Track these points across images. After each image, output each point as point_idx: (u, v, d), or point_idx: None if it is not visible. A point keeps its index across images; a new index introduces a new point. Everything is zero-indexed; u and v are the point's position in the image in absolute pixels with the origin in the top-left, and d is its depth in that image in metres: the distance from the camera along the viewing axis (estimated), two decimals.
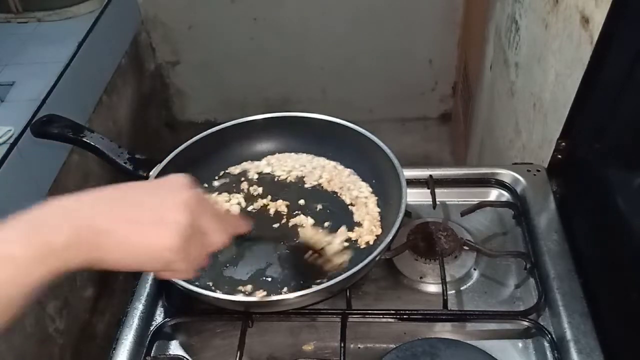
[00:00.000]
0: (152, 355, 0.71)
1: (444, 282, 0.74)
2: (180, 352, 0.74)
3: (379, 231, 0.78)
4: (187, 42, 1.89)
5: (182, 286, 0.68)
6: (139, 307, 0.75)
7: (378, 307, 0.74)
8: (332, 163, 0.88)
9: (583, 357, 0.66)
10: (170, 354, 0.73)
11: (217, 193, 0.86)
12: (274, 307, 0.72)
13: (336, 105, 1.90)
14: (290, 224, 0.81)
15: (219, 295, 0.69)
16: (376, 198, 0.83)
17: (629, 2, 0.65)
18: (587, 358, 0.66)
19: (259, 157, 0.90)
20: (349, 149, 0.86)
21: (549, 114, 0.91)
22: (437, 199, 0.84)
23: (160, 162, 0.81)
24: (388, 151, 0.80)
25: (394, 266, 0.80)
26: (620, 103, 0.71)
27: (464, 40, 1.81)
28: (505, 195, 0.89)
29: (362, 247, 0.77)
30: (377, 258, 0.69)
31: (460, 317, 0.74)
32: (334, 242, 0.75)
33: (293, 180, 0.87)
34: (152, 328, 0.74)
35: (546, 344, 0.69)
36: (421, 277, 0.78)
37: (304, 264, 0.75)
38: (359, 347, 0.72)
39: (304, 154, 0.90)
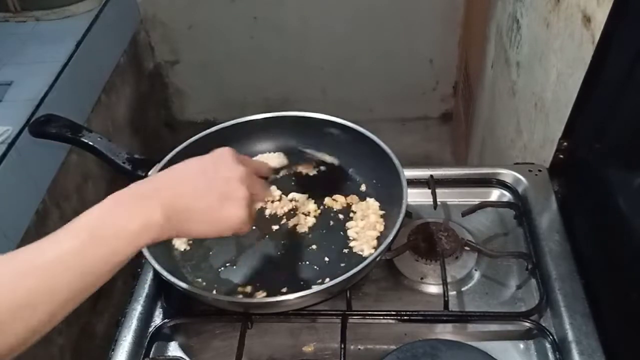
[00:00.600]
0: (151, 356, 0.71)
1: (444, 283, 0.73)
2: (179, 353, 0.73)
3: (381, 228, 0.78)
4: (186, 41, 1.89)
5: (181, 287, 0.67)
6: (137, 308, 0.75)
7: (378, 308, 0.74)
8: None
9: (585, 358, 0.65)
10: (169, 355, 0.73)
11: None
12: (273, 308, 0.71)
13: (336, 105, 1.88)
14: (289, 225, 0.81)
15: (218, 296, 0.68)
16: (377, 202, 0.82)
17: (631, 1, 0.64)
18: (589, 359, 0.65)
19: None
20: (349, 148, 0.86)
21: (550, 113, 0.90)
22: (438, 199, 0.84)
23: (159, 162, 0.81)
24: (388, 151, 0.80)
25: (395, 267, 0.79)
26: (622, 103, 0.70)
27: (465, 40, 1.81)
28: (507, 196, 0.88)
29: (362, 247, 0.76)
30: (378, 259, 0.69)
31: (461, 318, 0.73)
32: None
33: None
34: (151, 329, 0.73)
35: (548, 345, 0.69)
36: (422, 278, 0.78)
37: (304, 265, 0.75)
38: (359, 348, 0.72)
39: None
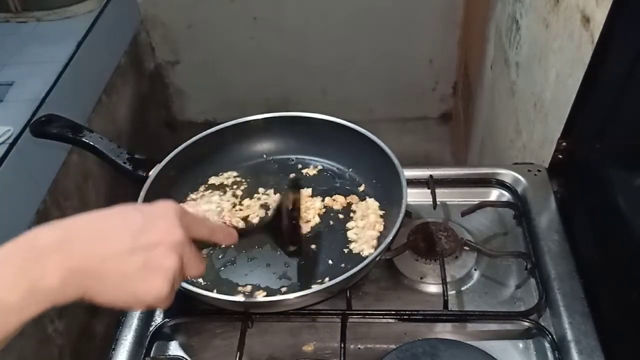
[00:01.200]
0: (151, 355, 0.71)
1: (444, 283, 0.74)
2: (179, 352, 0.73)
3: (381, 228, 0.78)
4: (186, 41, 1.89)
5: (181, 287, 0.67)
6: None
7: (378, 308, 0.74)
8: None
9: (584, 357, 0.66)
10: (169, 355, 0.73)
11: (217, 193, 0.86)
12: (273, 308, 0.71)
13: (336, 105, 1.89)
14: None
15: (218, 295, 0.68)
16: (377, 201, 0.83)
17: (630, 1, 0.65)
18: (588, 358, 0.66)
19: (259, 156, 0.90)
20: (349, 149, 0.86)
21: (549, 113, 0.91)
22: (437, 199, 0.84)
23: (160, 162, 0.81)
24: (388, 151, 0.80)
25: (394, 266, 0.80)
26: (621, 103, 0.70)
27: (465, 40, 1.81)
28: (506, 196, 0.89)
29: (362, 247, 0.77)
30: (377, 258, 0.69)
31: (461, 317, 0.73)
32: None
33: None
34: (151, 328, 0.74)
35: (547, 345, 0.69)
36: (421, 278, 0.78)
37: (304, 264, 0.75)
38: (359, 348, 0.72)
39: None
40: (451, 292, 0.76)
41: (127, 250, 0.47)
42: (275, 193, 0.86)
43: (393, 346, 0.69)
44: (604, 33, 0.69)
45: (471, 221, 0.85)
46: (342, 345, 0.68)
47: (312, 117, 0.87)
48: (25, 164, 1.14)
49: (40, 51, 1.38)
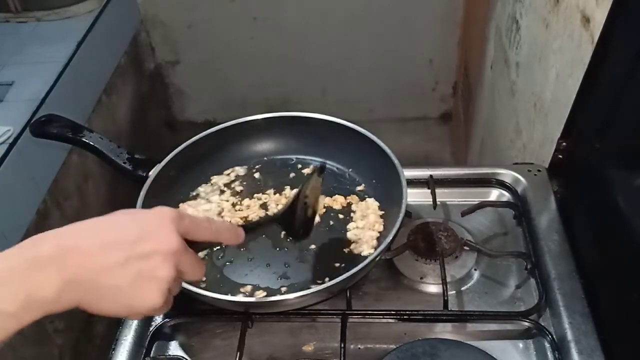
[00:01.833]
0: (151, 355, 0.71)
1: (444, 283, 0.74)
2: (179, 352, 0.73)
3: (381, 228, 0.78)
4: (186, 41, 1.89)
5: (181, 287, 0.67)
6: None
7: (378, 308, 0.74)
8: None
9: (584, 357, 0.66)
10: (169, 355, 0.73)
11: (217, 193, 0.86)
12: (273, 308, 0.71)
13: (336, 105, 1.89)
14: None
15: (218, 295, 0.68)
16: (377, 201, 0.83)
17: (630, 1, 0.65)
18: (588, 358, 0.66)
19: (259, 156, 0.90)
20: (349, 149, 0.86)
21: (549, 113, 0.91)
22: (437, 199, 0.84)
23: (160, 162, 0.81)
24: (388, 151, 0.80)
25: (394, 266, 0.80)
26: (621, 103, 0.71)
27: (465, 40, 1.81)
28: (506, 196, 0.89)
29: (362, 247, 0.77)
30: (377, 258, 0.69)
31: (461, 317, 0.73)
32: None
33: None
34: (151, 328, 0.73)
35: (547, 345, 0.69)
36: (421, 278, 0.78)
37: (304, 264, 0.75)
38: (359, 348, 0.72)
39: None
40: (451, 292, 0.76)
41: (121, 262, 0.47)
42: (275, 193, 0.86)
43: (393, 346, 0.69)
44: (604, 33, 0.69)
45: (471, 221, 0.85)
46: (342, 345, 0.68)
47: (312, 117, 0.87)
48: (25, 164, 1.14)
49: (40, 51, 1.38)
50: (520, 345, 0.72)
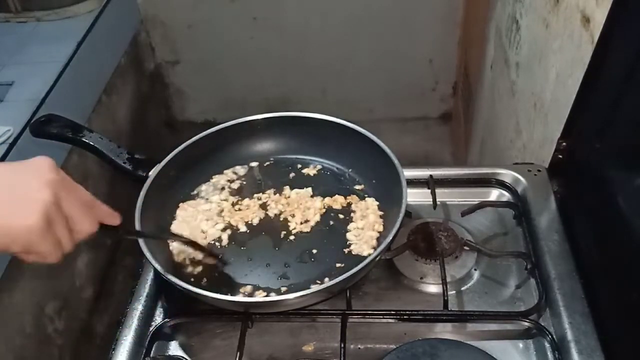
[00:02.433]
0: (151, 355, 0.71)
1: (444, 283, 0.74)
2: (179, 352, 0.73)
3: (381, 228, 0.78)
4: (186, 41, 1.89)
5: (181, 287, 0.67)
6: (138, 308, 0.75)
7: (378, 308, 0.74)
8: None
9: (584, 357, 0.66)
10: (169, 355, 0.73)
11: (217, 193, 0.86)
12: (273, 308, 0.71)
13: (336, 105, 1.90)
14: (290, 223, 0.81)
15: (218, 295, 0.68)
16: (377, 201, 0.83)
17: (630, 1, 0.65)
18: (588, 358, 0.66)
19: (259, 157, 0.90)
20: (349, 149, 0.86)
21: (549, 113, 0.91)
22: (437, 199, 0.84)
23: (160, 162, 0.81)
24: (388, 151, 0.80)
25: (394, 266, 0.80)
26: (621, 103, 0.71)
27: (465, 40, 1.81)
28: (506, 196, 0.89)
29: (362, 247, 0.77)
30: (377, 258, 0.69)
31: (461, 317, 0.74)
32: None
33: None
34: (151, 328, 0.74)
35: (547, 345, 0.69)
36: (421, 278, 0.78)
37: (304, 264, 0.75)
38: (359, 348, 0.72)
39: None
40: (451, 292, 0.76)
41: None
42: (275, 193, 0.86)
43: (393, 346, 0.69)
44: (604, 33, 0.69)
45: (471, 221, 0.85)
46: (342, 345, 0.68)
47: (312, 117, 0.87)
48: None
49: (40, 51, 1.38)
50: (520, 345, 0.72)
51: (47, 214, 0.48)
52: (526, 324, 0.71)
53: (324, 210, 0.83)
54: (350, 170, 0.88)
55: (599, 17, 0.69)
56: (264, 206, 0.84)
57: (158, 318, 0.75)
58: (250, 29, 1.84)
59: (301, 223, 0.81)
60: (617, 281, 0.71)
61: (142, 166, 0.82)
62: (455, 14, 1.79)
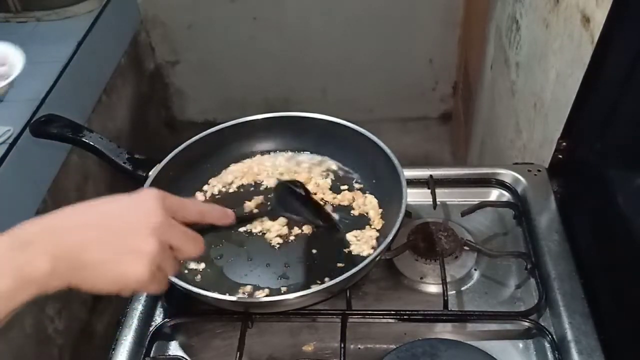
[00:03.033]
0: (151, 355, 0.71)
1: (444, 283, 0.74)
2: (179, 352, 0.73)
3: (379, 227, 0.78)
4: (186, 41, 1.89)
5: (181, 287, 0.67)
6: (138, 308, 0.75)
7: (378, 308, 0.74)
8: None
9: (584, 357, 0.66)
10: (169, 355, 0.73)
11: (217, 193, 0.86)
12: (273, 308, 0.71)
13: (336, 105, 1.90)
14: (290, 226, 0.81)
15: (218, 295, 0.68)
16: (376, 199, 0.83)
17: (630, 1, 0.65)
18: (588, 358, 0.66)
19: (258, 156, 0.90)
20: (349, 148, 0.86)
21: (549, 113, 0.91)
22: (437, 199, 0.84)
23: (160, 162, 0.81)
24: (388, 151, 0.80)
25: (394, 266, 0.80)
26: (621, 103, 0.71)
27: (465, 40, 1.81)
28: (506, 196, 0.89)
29: (362, 247, 0.77)
30: (377, 258, 0.69)
31: (461, 317, 0.74)
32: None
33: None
34: (151, 328, 0.74)
35: (547, 345, 0.69)
36: (421, 278, 0.78)
37: (304, 264, 0.75)
38: (359, 348, 0.72)
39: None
40: (451, 292, 0.76)
41: (105, 238, 0.49)
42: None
43: (393, 346, 0.69)
44: (604, 33, 0.69)
45: (471, 221, 0.85)
46: (342, 345, 0.68)
47: (312, 117, 0.87)
48: (25, 164, 1.14)
49: (40, 51, 1.37)
50: (520, 345, 0.72)
51: (155, 263, 0.50)
52: (526, 324, 0.71)
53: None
54: (350, 170, 0.88)
55: (599, 17, 0.69)
56: (263, 206, 0.84)
57: (158, 318, 0.75)
58: (250, 29, 1.84)
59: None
60: (617, 281, 0.71)
61: (142, 166, 0.82)
62: (455, 14, 1.79)
